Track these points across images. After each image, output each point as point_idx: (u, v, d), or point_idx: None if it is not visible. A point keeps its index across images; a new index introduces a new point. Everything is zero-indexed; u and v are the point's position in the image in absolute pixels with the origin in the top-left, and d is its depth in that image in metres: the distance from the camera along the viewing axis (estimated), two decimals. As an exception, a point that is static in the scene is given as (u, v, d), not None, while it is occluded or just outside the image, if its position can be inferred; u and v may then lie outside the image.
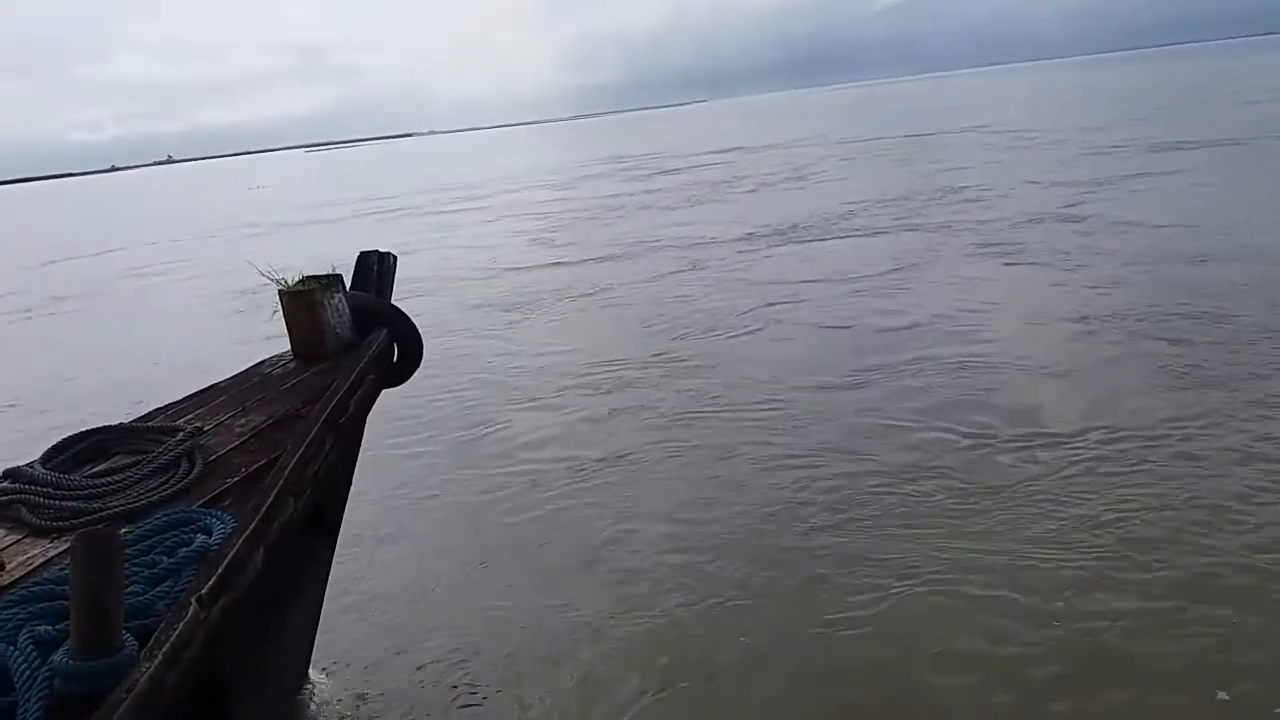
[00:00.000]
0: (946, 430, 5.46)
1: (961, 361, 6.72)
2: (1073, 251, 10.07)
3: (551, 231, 17.78)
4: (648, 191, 23.54)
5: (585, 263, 13.32)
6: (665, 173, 29.55)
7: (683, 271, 11.68)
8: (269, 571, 2.10)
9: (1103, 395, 5.83)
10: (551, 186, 29.60)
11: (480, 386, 7.56)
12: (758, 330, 8.48)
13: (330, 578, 3.28)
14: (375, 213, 27.21)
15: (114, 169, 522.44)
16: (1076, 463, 4.84)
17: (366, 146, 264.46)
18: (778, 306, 9.29)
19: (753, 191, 20.54)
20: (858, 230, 13.28)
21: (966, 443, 5.27)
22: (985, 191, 15.60)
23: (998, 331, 7.48)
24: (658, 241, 14.47)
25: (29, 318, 14.51)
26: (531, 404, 6.93)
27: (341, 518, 3.12)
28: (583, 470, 5.51)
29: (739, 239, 13.69)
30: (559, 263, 13.58)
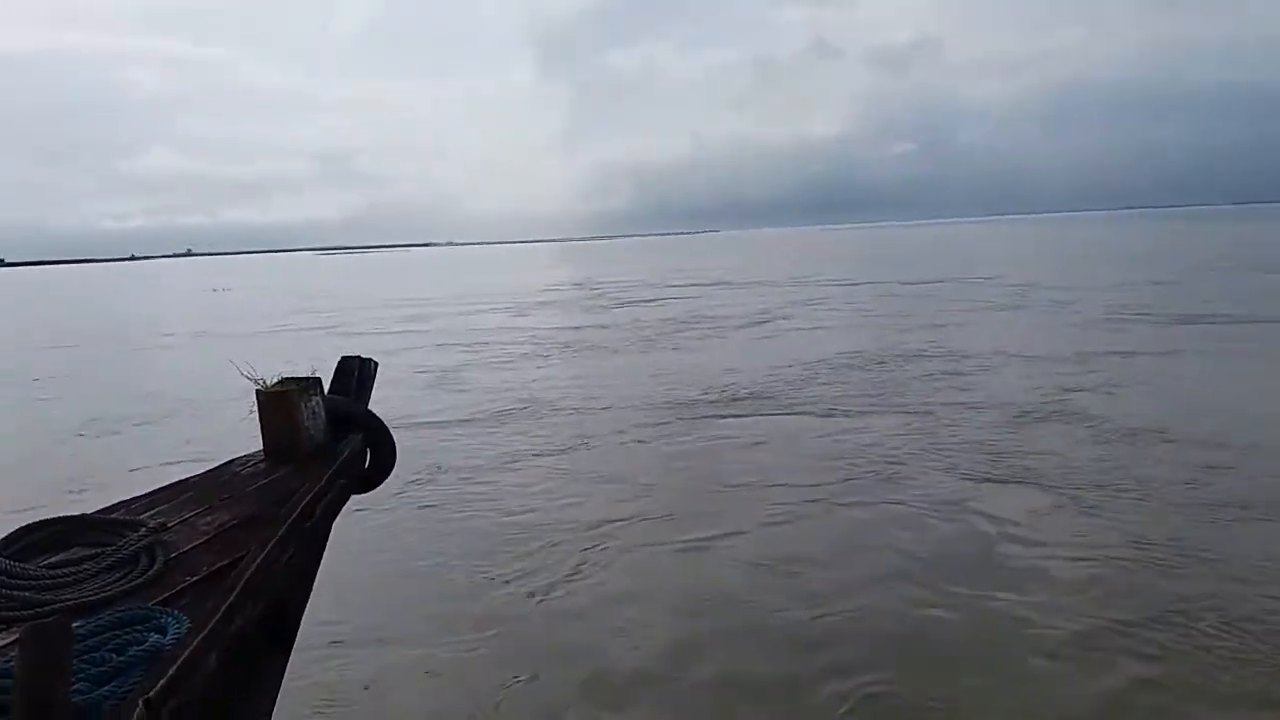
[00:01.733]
0: None
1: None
2: (1096, 474, 7.04)
3: (464, 369, 15.02)
4: (600, 326, 20.80)
5: (459, 424, 10.36)
6: (630, 304, 26.99)
7: (557, 454, 8.67)
8: (222, 675, 1.88)
9: None
10: (508, 310, 26.98)
11: None
12: (598, 583, 5.41)
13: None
14: (308, 328, 24.53)
15: (133, 258, 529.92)
16: None
17: (378, 254, 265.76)
18: (650, 528, 6.26)
19: (707, 337, 17.75)
20: (809, 405, 10.32)
21: None
22: (975, 362, 12.76)
23: (985, 646, 4.41)
24: (564, 399, 11.55)
25: None
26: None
27: (299, 623, 2.67)
28: None
29: (661, 405, 10.75)
30: (430, 422, 10.61)
